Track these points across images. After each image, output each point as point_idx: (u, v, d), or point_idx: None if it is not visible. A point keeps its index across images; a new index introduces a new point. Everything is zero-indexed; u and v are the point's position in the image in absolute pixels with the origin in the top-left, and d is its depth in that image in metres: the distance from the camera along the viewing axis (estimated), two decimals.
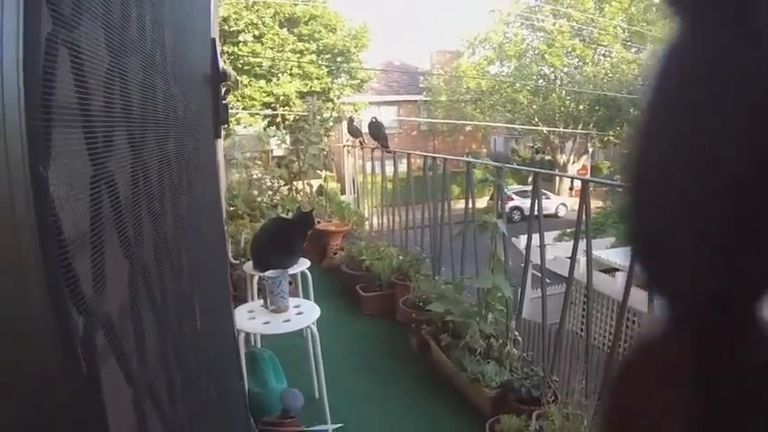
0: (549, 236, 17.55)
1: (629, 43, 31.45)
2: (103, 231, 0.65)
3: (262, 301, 4.08)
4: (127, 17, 0.86)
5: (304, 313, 3.93)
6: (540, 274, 4.64)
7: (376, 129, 8.18)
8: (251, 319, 3.88)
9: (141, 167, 0.86)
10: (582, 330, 10.95)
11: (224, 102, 2.19)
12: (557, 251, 14.23)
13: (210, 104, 2.01)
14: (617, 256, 13.12)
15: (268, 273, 4.01)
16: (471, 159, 5.77)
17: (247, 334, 4.01)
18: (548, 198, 28.90)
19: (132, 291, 0.78)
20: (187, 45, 1.53)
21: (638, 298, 4.06)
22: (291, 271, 4.59)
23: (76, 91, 0.63)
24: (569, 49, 32.06)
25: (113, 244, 0.71)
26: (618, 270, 12.67)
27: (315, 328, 3.85)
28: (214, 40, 2.09)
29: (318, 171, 9.21)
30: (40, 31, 0.55)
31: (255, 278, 4.70)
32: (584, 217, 4.08)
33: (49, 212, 0.54)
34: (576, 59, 32.85)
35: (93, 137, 0.67)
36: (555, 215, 28.68)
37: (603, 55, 32.23)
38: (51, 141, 0.57)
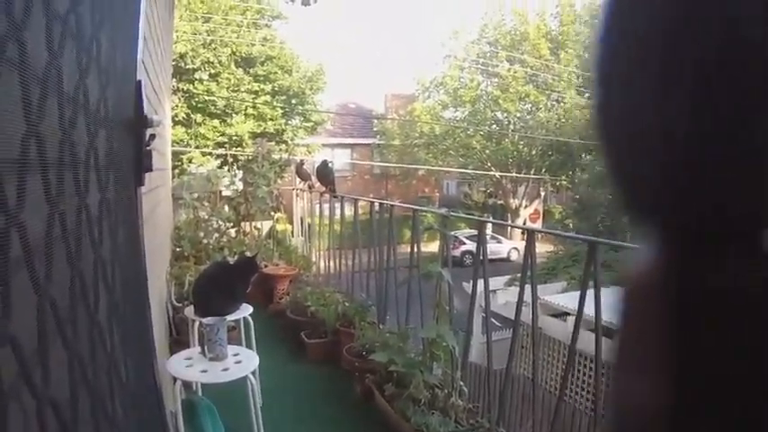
0: (501, 280, 17.63)
1: (583, 89, 32.09)
2: None
3: (200, 348, 3.98)
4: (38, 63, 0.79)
5: (243, 362, 3.84)
6: (490, 319, 4.61)
7: (324, 172, 8.15)
8: (188, 366, 3.78)
9: (18, 227, 0.78)
10: (532, 375, 10.94)
11: (148, 148, 2.12)
12: (508, 296, 14.26)
13: (132, 151, 1.93)
14: (568, 300, 13.18)
15: (206, 320, 3.91)
16: (417, 207, 5.74)
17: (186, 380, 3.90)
18: (499, 242, 29.12)
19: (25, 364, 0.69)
20: (101, 87, 1.46)
21: (588, 341, 4.03)
22: (234, 317, 4.50)
23: None
24: (523, 95, 32.61)
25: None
26: (569, 314, 12.71)
27: (253, 378, 3.76)
28: (140, 82, 2.02)
29: (270, 213, 9.15)
30: None
31: (197, 323, 4.60)
32: (530, 263, 4.06)
33: None
34: (530, 105, 33.46)
35: None
36: (507, 259, 28.81)
37: (557, 101, 32.81)
38: None
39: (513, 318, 7.21)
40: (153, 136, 2.15)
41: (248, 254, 5.25)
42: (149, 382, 2.30)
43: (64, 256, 1.04)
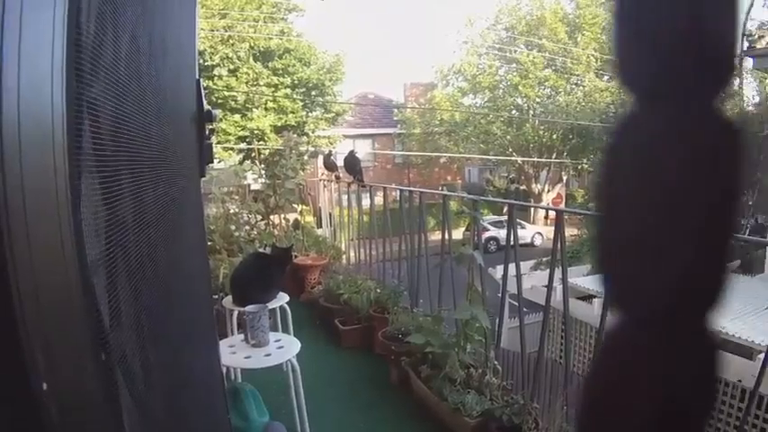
0: (526, 265, 17.59)
1: (602, 72, 31.88)
2: (117, 271, 0.70)
3: (242, 335, 4.10)
4: (132, 69, 0.91)
5: (284, 347, 3.95)
6: (516, 304, 4.68)
7: (351, 163, 8.21)
8: (232, 353, 3.90)
9: (143, 210, 0.90)
10: (561, 358, 11.00)
11: (208, 142, 2.25)
12: (533, 280, 14.27)
13: (196, 144, 2.06)
14: (593, 283, 13.18)
15: (248, 308, 4.03)
16: (447, 192, 5.82)
17: (228, 369, 4.02)
18: (523, 228, 29.01)
19: (140, 329, 0.82)
20: (176, 85, 1.58)
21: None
22: (271, 305, 4.61)
23: (93, 142, 0.68)
24: (542, 80, 32.44)
25: (124, 284, 0.75)
26: (594, 297, 12.73)
27: (295, 362, 3.87)
28: (199, 80, 2.14)
29: (295, 205, 9.22)
30: (75, 90, 0.61)
31: (235, 313, 4.73)
32: (559, 246, 4.14)
33: (83, 252, 0.59)
34: (550, 89, 33.24)
35: (105, 181, 0.72)
36: (531, 244, 28.77)
37: (576, 84, 32.62)
38: (81, 185, 0.62)
39: (538, 302, 7.25)
40: (213, 130, 2.28)
41: (278, 244, 5.35)
42: (216, 363, 2.43)
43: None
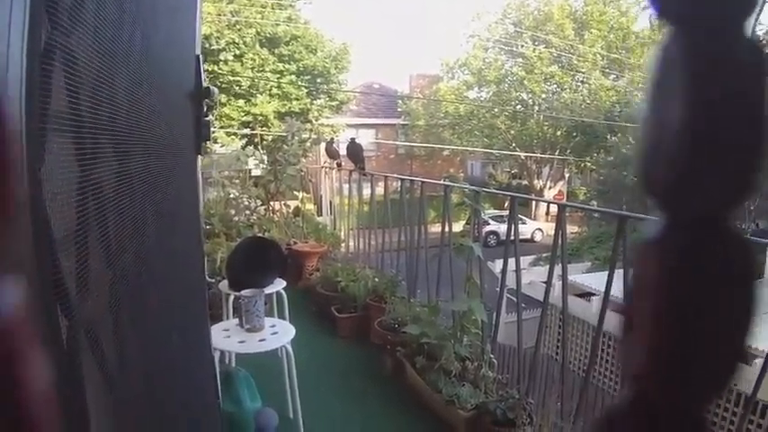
0: (525, 260, 17.58)
1: (608, 70, 31.87)
2: (89, 237, 0.66)
3: (237, 319, 4.07)
4: (116, 31, 0.87)
5: (279, 333, 3.93)
6: (515, 299, 4.65)
7: (354, 151, 8.17)
8: (226, 337, 3.88)
9: (125, 179, 0.86)
10: (557, 354, 11.01)
11: (206, 119, 2.21)
12: (532, 276, 14.31)
13: (192, 121, 2.03)
14: (592, 280, 13.19)
15: (244, 292, 4.00)
16: (449, 183, 5.77)
17: (222, 352, 3.99)
18: (524, 223, 28.99)
19: (113, 300, 0.78)
20: (171, 61, 1.54)
21: (613, 322, 4.08)
22: (267, 291, 4.58)
23: (68, 99, 0.64)
24: (548, 76, 32.39)
25: (96, 251, 0.71)
26: (593, 294, 12.74)
27: (290, 348, 3.85)
28: (198, 56, 2.11)
29: (295, 192, 9.20)
30: (41, 37, 0.56)
31: (231, 297, 4.69)
32: (560, 241, 4.10)
33: (41, 212, 0.55)
34: (555, 86, 33.19)
35: (81, 144, 0.67)
36: (531, 240, 28.79)
37: (582, 81, 32.58)
38: (46, 145, 0.57)
39: (536, 297, 7.25)
40: (211, 108, 2.24)
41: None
42: (207, 345, 2.40)
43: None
